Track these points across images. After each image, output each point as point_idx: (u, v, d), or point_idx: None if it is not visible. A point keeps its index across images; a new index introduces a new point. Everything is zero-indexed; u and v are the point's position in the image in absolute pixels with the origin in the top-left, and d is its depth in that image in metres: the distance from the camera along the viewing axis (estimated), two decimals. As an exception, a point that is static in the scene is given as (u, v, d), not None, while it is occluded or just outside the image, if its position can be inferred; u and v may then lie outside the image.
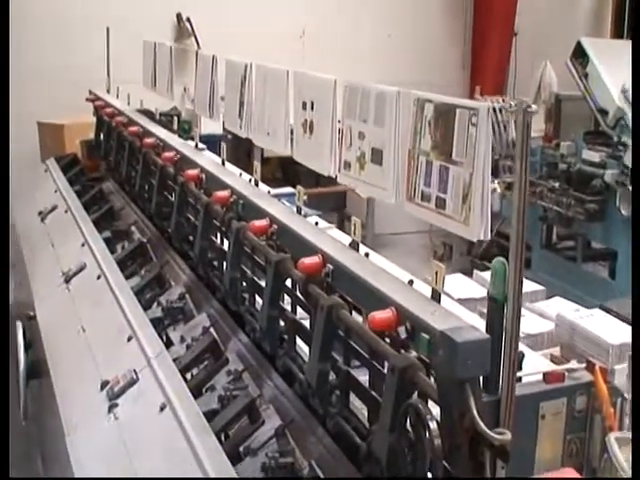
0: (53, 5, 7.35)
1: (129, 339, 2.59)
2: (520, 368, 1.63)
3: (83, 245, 3.62)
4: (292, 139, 2.74)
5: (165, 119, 4.71)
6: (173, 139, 3.79)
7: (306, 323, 2.23)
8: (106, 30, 6.17)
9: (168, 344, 2.68)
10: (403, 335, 1.66)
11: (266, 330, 2.30)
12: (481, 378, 1.51)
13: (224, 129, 6.05)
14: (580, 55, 6.22)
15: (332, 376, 1.98)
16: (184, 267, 3.29)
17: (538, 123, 6.29)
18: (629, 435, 1.65)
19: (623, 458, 1.61)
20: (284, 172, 7.61)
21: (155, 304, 3.05)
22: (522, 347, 1.64)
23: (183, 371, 2.39)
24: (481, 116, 1.76)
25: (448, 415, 1.50)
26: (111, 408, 2.27)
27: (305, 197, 2.51)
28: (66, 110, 6.37)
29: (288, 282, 2.31)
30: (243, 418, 2.14)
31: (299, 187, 2.54)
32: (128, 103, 4.95)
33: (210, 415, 2.13)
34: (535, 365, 1.84)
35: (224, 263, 2.79)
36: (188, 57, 7.68)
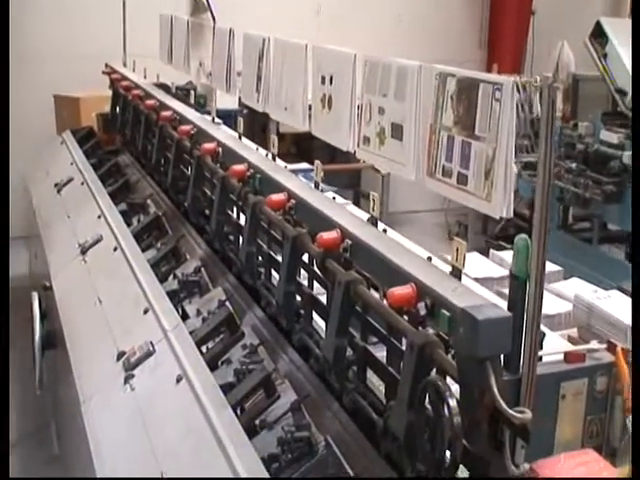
0: (70, -22, 7.31)
1: (145, 311, 2.59)
2: (541, 347, 1.62)
3: (99, 217, 3.62)
4: (310, 114, 2.72)
5: (181, 93, 4.69)
6: (190, 112, 3.77)
7: (322, 298, 2.22)
8: (122, 3, 6.15)
9: (184, 317, 2.68)
10: (422, 312, 1.64)
11: (283, 305, 2.29)
12: (502, 356, 1.50)
13: (239, 104, 6.04)
14: (599, 35, 6.13)
15: (349, 352, 1.97)
16: (199, 241, 3.28)
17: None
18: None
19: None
20: (298, 148, 7.58)
21: (171, 277, 3.05)
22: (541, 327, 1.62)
23: (199, 344, 2.39)
24: (505, 91, 1.73)
25: (468, 393, 1.49)
26: (127, 379, 2.27)
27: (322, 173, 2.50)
28: (81, 83, 6.35)
29: (305, 257, 2.30)
30: (259, 392, 2.13)
31: (317, 162, 2.52)
32: (144, 77, 4.93)
33: (226, 388, 2.13)
34: (554, 345, 1.83)
35: (240, 237, 2.79)
36: (204, 31, 7.63)
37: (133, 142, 4.53)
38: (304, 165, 5.74)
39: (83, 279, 3.17)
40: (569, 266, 3.36)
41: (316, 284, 2.30)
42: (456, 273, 1.71)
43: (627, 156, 5.62)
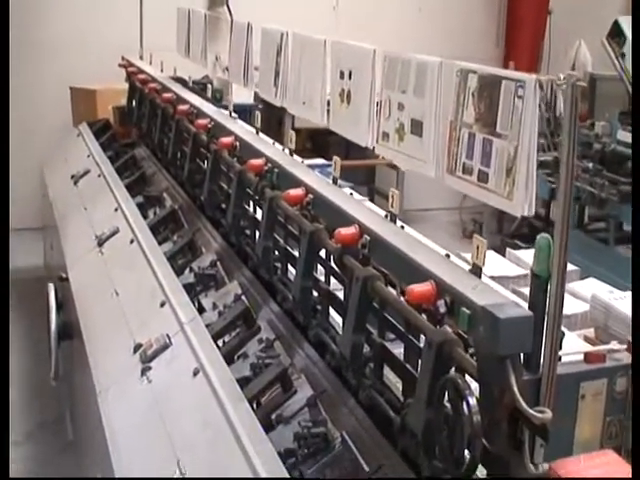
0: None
1: (162, 304, 2.59)
2: (560, 347, 1.61)
3: (116, 210, 3.63)
4: (328, 109, 2.71)
5: (198, 87, 4.70)
6: (207, 106, 3.77)
7: (339, 294, 2.22)
8: (139, -4, 6.16)
9: (200, 310, 2.69)
10: (442, 309, 1.64)
11: (299, 300, 2.29)
12: (522, 356, 1.49)
13: (255, 99, 6.03)
14: (617, 34, 6.09)
15: (366, 348, 1.97)
16: (215, 235, 3.29)
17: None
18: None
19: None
20: (314, 143, 7.57)
21: (187, 270, 3.05)
22: (558, 326, 1.61)
23: (215, 337, 2.39)
24: (528, 88, 1.72)
25: (488, 392, 1.48)
26: (144, 371, 2.28)
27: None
28: (97, 76, 6.37)
29: (321, 252, 2.30)
30: (275, 387, 2.14)
31: (336, 158, 2.51)
32: (161, 70, 4.93)
33: (242, 382, 2.13)
34: (572, 345, 1.81)
35: (256, 232, 2.79)
36: (220, 25, 7.64)
37: (149, 135, 4.54)
38: (320, 160, 5.74)
39: (100, 271, 3.18)
40: (585, 266, 3.34)
41: (333, 280, 2.30)
42: (476, 271, 1.70)
43: (644, 156, 5.58)
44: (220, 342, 2.46)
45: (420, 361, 1.72)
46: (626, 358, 1.69)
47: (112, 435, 2.11)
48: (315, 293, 2.31)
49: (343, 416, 2.01)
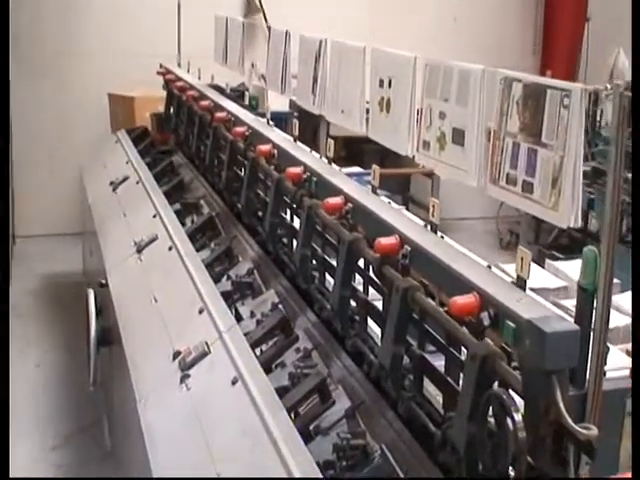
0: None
1: (200, 311, 2.60)
2: (605, 362, 1.58)
3: (155, 216, 3.65)
4: (367, 117, 2.70)
5: (235, 94, 4.72)
6: (245, 114, 3.78)
7: (377, 304, 2.20)
8: (177, 4, 6.22)
9: (237, 318, 2.69)
10: (486, 322, 1.61)
11: (337, 310, 2.27)
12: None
13: (290, 106, 6.04)
14: (656, 42, 5.98)
15: (405, 360, 1.95)
16: (252, 242, 3.29)
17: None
18: None
19: None
20: (348, 151, 7.56)
21: (224, 278, 3.06)
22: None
23: (253, 346, 2.39)
24: (574, 97, 1.70)
25: (533, 407, 1.46)
26: (183, 379, 2.28)
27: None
28: (134, 82, 6.44)
29: (359, 262, 2.28)
30: (313, 397, 2.12)
31: (375, 166, 2.50)
32: (199, 77, 4.97)
33: (281, 392, 2.12)
34: (615, 360, 1.78)
35: (293, 240, 2.78)
36: (256, 32, 7.68)
37: (186, 142, 4.57)
38: (356, 169, 5.72)
39: (139, 277, 3.20)
40: (624, 279, 3.29)
41: (371, 289, 2.29)
42: (520, 283, 1.67)
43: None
44: (257, 351, 2.46)
45: (462, 374, 1.70)
46: (673, 374, 1.65)
47: (151, 442, 2.11)
48: (353, 303, 2.29)
49: (381, 428, 1.99)
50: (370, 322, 2.25)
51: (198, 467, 1.93)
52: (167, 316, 2.74)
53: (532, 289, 2.57)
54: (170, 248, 3.24)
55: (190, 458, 1.99)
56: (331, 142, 2.91)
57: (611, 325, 2.48)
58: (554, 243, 6.42)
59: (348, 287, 2.28)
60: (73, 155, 6.69)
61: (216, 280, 2.99)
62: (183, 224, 3.68)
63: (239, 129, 3.49)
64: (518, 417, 1.44)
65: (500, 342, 1.63)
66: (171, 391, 2.27)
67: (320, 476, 1.73)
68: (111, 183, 4.47)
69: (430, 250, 1.90)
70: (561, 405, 1.41)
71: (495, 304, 1.59)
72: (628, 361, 1.88)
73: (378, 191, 2.49)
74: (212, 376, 2.23)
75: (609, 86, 1.71)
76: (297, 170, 2.75)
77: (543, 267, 3.47)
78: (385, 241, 2.02)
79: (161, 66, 5.60)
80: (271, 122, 3.63)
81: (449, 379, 1.82)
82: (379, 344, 2.11)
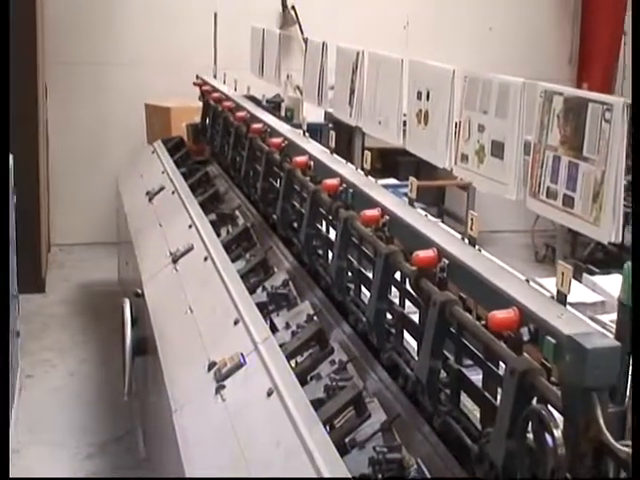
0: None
1: (236, 322, 2.60)
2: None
3: (190, 227, 3.68)
4: (404, 129, 2.70)
5: (271, 106, 4.75)
6: (281, 125, 3.80)
7: (414, 317, 2.19)
8: (214, 16, 6.29)
9: (273, 329, 2.69)
10: (525, 337, 1.60)
11: (374, 323, 2.26)
12: (607, 387, 1.44)
13: (325, 118, 6.06)
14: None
15: (442, 374, 1.94)
16: (287, 254, 3.30)
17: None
18: None
19: None
20: (383, 163, 7.55)
21: (260, 289, 3.07)
22: None
23: (288, 358, 2.39)
24: (615, 111, 1.68)
25: (572, 424, 1.44)
26: (218, 389, 2.29)
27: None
28: (169, 94, 6.52)
29: (395, 274, 2.28)
30: (349, 410, 2.12)
31: (412, 178, 2.49)
32: (235, 89, 5.01)
33: (316, 404, 2.12)
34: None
35: (329, 252, 2.78)
36: (292, 44, 7.72)
37: (222, 153, 4.60)
38: (392, 180, 5.72)
39: (174, 287, 3.22)
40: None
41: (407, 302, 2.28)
42: (561, 298, 1.65)
43: None
44: (293, 362, 2.46)
45: (500, 389, 1.68)
46: None
47: (187, 454, 2.12)
48: (389, 315, 2.28)
49: (417, 442, 1.97)
50: (406, 335, 2.24)
51: (233, 476, 1.93)
52: (202, 327, 2.76)
53: (570, 304, 2.54)
54: (205, 258, 3.26)
55: (225, 469, 2.00)
56: (367, 154, 2.90)
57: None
58: (590, 257, 6.34)
59: (384, 300, 2.27)
60: (110, 165, 6.79)
61: (251, 291, 2.99)
62: (218, 235, 3.70)
63: (275, 140, 3.50)
64: (558, 433, 1.42)
65: (538, 357, 1.61)
66: (206, 401, 2.28)
67: (356, 490, 1.72)
68: (147, 193, 4.51)
69: (468, 264, 1.89)
70: (601, 422, 1.39)
71: (535, 319, 1.58)
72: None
73: (415, 203, 2.48)
74: (247, 387, 2.23)
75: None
76: (334, 182, 2.75)
77: (580, 281, 3.43)
78: (423, 254, 2.01)
79: (197, 77, 5.66)
80: (306, 133, 3.64)
81: (487, 394, 1.80)
82: (415, 357, 2.10)
